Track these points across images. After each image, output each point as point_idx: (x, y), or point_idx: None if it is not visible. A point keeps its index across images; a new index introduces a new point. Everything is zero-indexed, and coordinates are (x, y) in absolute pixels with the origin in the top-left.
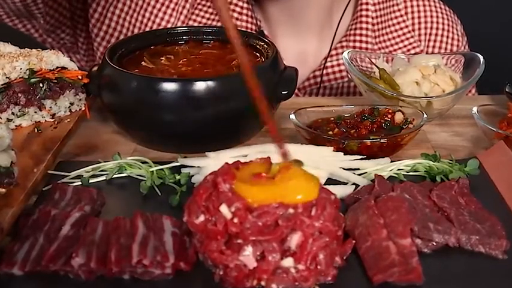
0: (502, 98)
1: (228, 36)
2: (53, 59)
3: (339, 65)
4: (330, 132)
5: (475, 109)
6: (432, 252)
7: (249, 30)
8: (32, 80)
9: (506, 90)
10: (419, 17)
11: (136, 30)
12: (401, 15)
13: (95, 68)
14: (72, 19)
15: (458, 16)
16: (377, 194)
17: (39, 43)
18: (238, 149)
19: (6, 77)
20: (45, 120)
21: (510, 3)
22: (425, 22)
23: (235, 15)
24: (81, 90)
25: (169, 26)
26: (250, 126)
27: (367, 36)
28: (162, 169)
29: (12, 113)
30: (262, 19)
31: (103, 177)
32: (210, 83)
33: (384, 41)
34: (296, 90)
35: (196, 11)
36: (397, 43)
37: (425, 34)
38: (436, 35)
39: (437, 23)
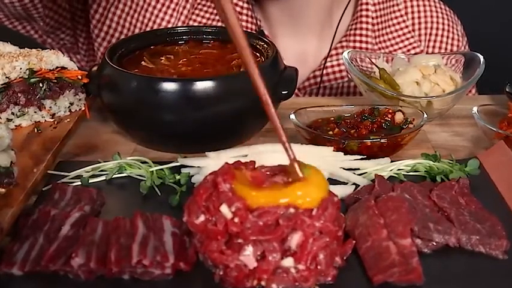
0: (502, 98)
1: (231, 36)
2: (52, 59)
3: (339, 65)
4: (330, 132)
5: (475, 109)
6: (432, 252)
7: (249, 30)
8: (32, 80)
9: (507, 90)
10: (419, 17)
11: (136, 31)
12: (402, 15)
13: (95, 68)
14: (72, 20)
15: (458, 16)
16: (377, 194)
17: (38, 43)
18: (238, 149)
19: (6, 77)
20: (45, 120)
21: (510, 3)
22: (426, 22)
23: None
24: (81, 90)
25: (169, 26)
26: (250, 126)
27: (367, 36)
28: (162, 169)
29: (12, 113)
30: (262, 19)
31: (103, 177)
32: (210, 83)
33: (384, 41)
34: (296, 90)
35: (197, 11)
36: (397, 43)
37: (426, 34)
38: (436, 35)
39: (438, 23)
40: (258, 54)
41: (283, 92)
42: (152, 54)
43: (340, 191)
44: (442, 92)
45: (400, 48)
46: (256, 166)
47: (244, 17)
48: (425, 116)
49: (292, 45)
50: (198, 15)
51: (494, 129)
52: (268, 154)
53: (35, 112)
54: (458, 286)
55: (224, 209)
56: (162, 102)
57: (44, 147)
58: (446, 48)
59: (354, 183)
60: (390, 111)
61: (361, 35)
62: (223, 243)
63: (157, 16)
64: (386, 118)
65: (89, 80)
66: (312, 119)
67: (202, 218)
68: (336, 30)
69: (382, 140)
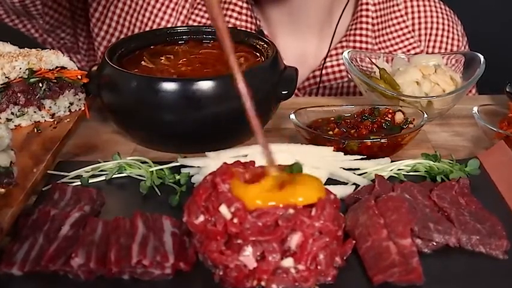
0: (502, 97)
1: (218, 35)
2: (52, 59)
3: (338, 65)
4: (330, 132)
5: (475, 109)
6: (432, 252)
7: (249, 30)
8: (32, 80)
9: (507, 90)
10: (419, 17)
11: (136, 30)
12: (402, 16)
13: (95, 68)
14: (72, 19)
15: (458, 16)
16: (377, 194)
17: (38, 43)
18: (238, 149)
19: (6, 77)
20: (45, 120)
21: (510, 3)
22: (426, 22)
23: (235, 15)
24: (81, 90)
25: (169, 25)
26: (250, 126)
27: (367, 36)
28: (161, 169)
29: (12, 113)
30: (262, 19)
31: (103, 177)
32: (210, 83)
33: (384, 41)
34: (296, 90)
35: (196, 11)
36: (397, 43)
37: (426, 34)
38: (436, 35)
39: (438, 23)
40: (258, 54)
41: (283, 92)
42: (152, 54)
43: (340, 191)
44: (442, 92)
45: (400, 48)
46: (256, 166)
47: (244, 17)
48: (425, 116)
49: (292, 45)
50: (197, 15)
51: (495, 129)
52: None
53: (35, 112)
54: (458, 286)
55: (223, 209)
56: (162, 102)
57: (44, 147)
58: (446, 48)
59: (354, 183)
60: (390, 111)
61: (361, 35)
62: (222, 244)
63: (156, 16)
64: (387, 118)
65: (89, 79)
66: (312, 119)
67: (201, 218)
68: (336, 30)
69: (382, 140)
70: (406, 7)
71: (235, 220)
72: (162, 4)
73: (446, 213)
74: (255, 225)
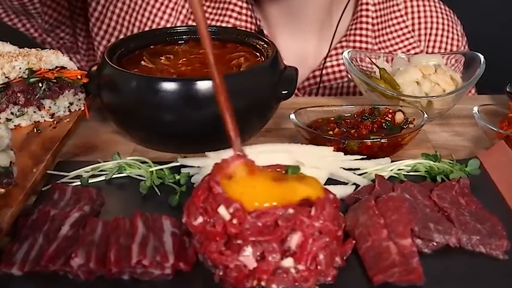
0: (502, 97)
1: (198, 32)
2: (52, 59)
3: (338, 64)
4: (330, 132)
5: (475, 109)
6: (433, 252)
7: (249, 30)
8: (31, 80)
9: (507, 90)
10: (419, 17)
11: (136, 30)
12: (401, 15)
13: (94, 68)
14: (71, 18)
15: (458, 16)
16: (377, 194)
17: (38, 43)
18: None
19: (6, 77)
20: (45, 120)
21: (510, 3)
22: (425, 22)
23: (235, 15)
24: (81, 90)
25: (168, 25)
26: (250, 126)
27: (367, 36)
28: (161, 169)
29: (12, 113)
30: (262, 19)
31: (102, 177)
32: (210, 83)
33: (384, 41)
34: (296, 90)
35: None
36: (397, 43)
37: (425, 34)
38: (436, 35)
39: (437, 23)
40: (258, 54)
41: (283, 92)
42: (152, 54)
43: (341, 191)
44: (442, 92)
45: (400, 48)
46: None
47: (244, 17)
48: (425, 115)
49: (292, 45)
50: None
51: (495, 129)
52: (268, 154)
53: (35, 112)
54: (458, 286)
55: (222, 210)
56: (162, 102)
57: (44, 147)
58: (446, 48)
59: (354, 183)
60: (390, 111)
61: (361, 35)
62: (222, 244)
63: (156, 15)
64: (387, 118)
65: (89, 79)
66: (312, 119)
67: (200, 219)
68: (336, 30)
69: (383, 140)
70: (406, 7)
71: (235, 221)
72: (162, 4)
73: (446, 213)
74: (255, 226)
